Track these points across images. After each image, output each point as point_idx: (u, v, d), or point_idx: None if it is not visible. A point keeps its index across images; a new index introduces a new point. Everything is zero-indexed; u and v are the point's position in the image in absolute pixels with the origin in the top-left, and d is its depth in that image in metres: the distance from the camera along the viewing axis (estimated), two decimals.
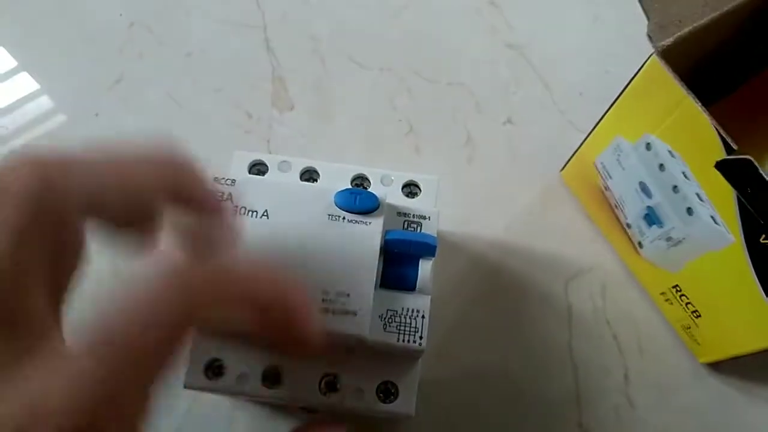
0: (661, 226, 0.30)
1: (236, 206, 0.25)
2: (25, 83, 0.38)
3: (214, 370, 0.25)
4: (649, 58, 0.26)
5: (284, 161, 0.28)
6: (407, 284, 0.26)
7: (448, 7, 0.42)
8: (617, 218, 0.33)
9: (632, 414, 0.32)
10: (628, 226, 0.33)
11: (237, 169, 0.28)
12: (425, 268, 0.26)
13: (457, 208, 0.36)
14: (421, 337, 0.25)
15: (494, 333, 0.33)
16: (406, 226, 0.26)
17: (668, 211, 0.29)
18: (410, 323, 0.25)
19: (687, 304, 0.31)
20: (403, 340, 0.25)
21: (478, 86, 0.39)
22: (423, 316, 0.25)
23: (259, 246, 0.24)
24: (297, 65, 0.39)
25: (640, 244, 0.32)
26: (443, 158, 0.37)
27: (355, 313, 0.24)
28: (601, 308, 0.34)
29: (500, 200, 0.36)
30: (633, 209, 0.31)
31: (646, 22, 0.26)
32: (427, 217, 0.27)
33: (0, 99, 0.37)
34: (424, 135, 0.38)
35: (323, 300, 0.24)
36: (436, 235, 0.26)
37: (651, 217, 0.30)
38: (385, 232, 0.25)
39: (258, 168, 0.28)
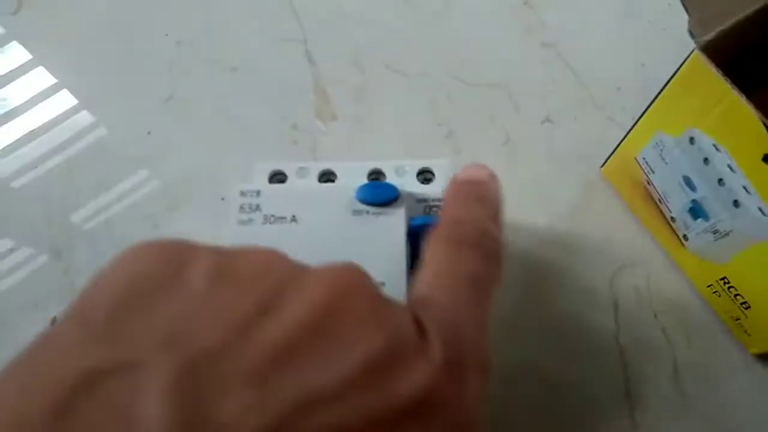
0: (707, 220, 0.30)
1: (265, 215, 0.26)
2: (78, 107, 0.40)
3: None
4: (690, 54, 0.26)
5: (302, 167, 0.29)
6: None
7: (483, 9, 0.42)
8: (661, 212, 0.34)
9: (683, 406, 0.32)
10: (673, 219, 0.33)
11: (258, 180, 0.29)
12: None
13: None
14: None
15: (540, 330, 0.34)
16: (427, 211, 0.27)
17: (714, 204, 0.29)
18: None
19: (736, 295, 0.31)
20: None
21: (515, 86, 0.40)
22: None
23: (293, 249, 0.25)
24: (338, 76, 0.40)
25: (685, 237, 0.33)
26: (483, 159, 0.37)
27: None
28: (648, 301, 0.34)
29: (542, 199, 0.37)
30: (677, 203, 0.32)
31: (680, 12, 0.26)
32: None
33: (55, 128, 0.39)
34: (464, 137, 0.38)
35: None
36: None
37: (696, 211, 0.31)
38: (409, 219, 0.26)
39: (278, 177, 0.29)
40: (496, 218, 0.24)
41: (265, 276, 0.17)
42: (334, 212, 0.26)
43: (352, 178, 0.29)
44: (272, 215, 0.26)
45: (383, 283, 0.25)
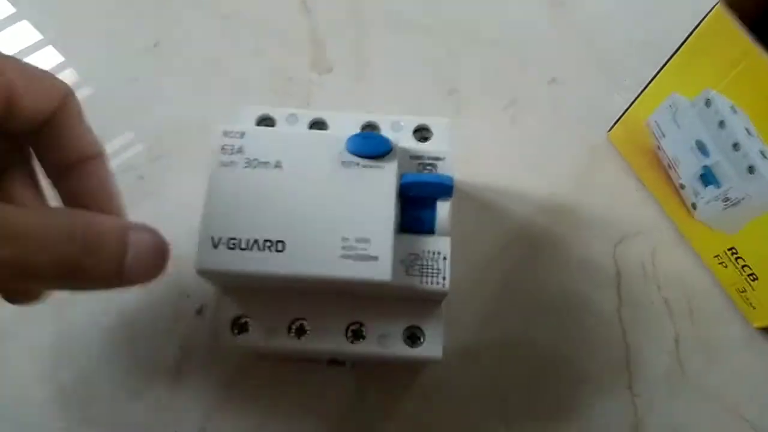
0: (719, 186, 0.29)
1: (247, 159, 0.24)
2: (61, 52, 0.38)
3: (239, 326, 0.26)
4: (712, 8, 0.24)
5: (292, 114, 0.28)
6: (426, 227, 0.25)
7: None
8: (669, 179, 0.32)
9: (683, 378, 0.32)
10: (682, 186, 0.32)
11: (244, 123, 0.27)
12: (443, 209, 0.25)
13: (501, 170, 0.35)
14: (444, 278, 0.24)
15: (541, 298, 0.33)
16: (420, 168, 0.26)
17: (727, 169, 0.28)
18: (432, 265, 0.25)
19: (743, 266, 0.30)
20: (427, 283, 0.24)
21: (521, 45, 0.38)
22: (444, 258, 0.25)
23: (272, 197, 0.24)
24: (335, 26, 0.38)
25: (693, 205, 0.31)
26: (486, 119, 0.36)
27: (376, 258, 0.23)
28: (651, 272, 0.33)
29: (546, 162, 0.35)
30: (688, 169, 0.30)
31: None
32: (441, 158, 0.26)
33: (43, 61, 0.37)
34: (466, 95, 0.37)
35: (343, 247, 0.23)
36: (452, 176, 0.26)
37: (707, 177, 0.29)
38: (401, 176, 0.25)
39: (265, 123, 0.28)
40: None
41: None
42: (321, 161, 0.25)
43: (345, 128, 0.27)
44: (255, 159, 0.25)
45: (368, 240, 0.24)
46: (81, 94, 0.35)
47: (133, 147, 0.35)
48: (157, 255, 0.20)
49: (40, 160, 0.24)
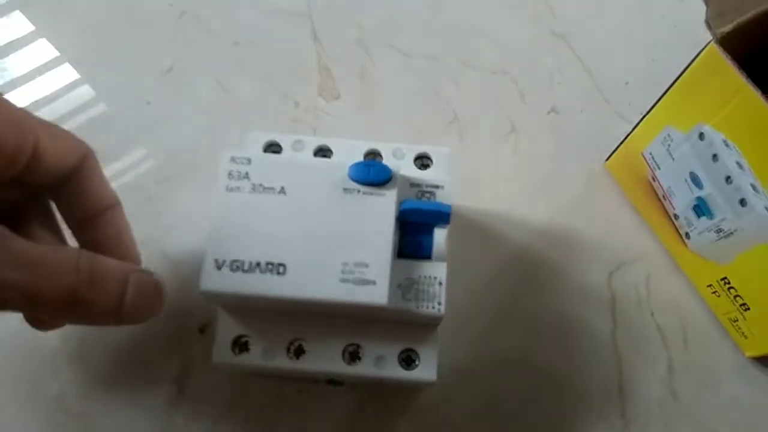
0: (711, 218, 0.30)
1: (253, 184, 0.25)
2: (77, 72, 0.39)
3: (240, 346, 0.26)
4: (706, 45, 0.25)
5: (298, 140, 0.29)
6: (423, 252, 0.26)
7: None
8: (664, 209, 0.33)
9: (675, 406, 0.32)
10: (676, 217, 0.32)
11: (251, 149, 0.28)
12: (440, 235, 0.26)
13: (500, 196, 0.36)
14: (439, 303, 0.25)
15: (537, 323, 0.33)
16: (420, 196, 0.27)
17: (720, 202, 0.29)
18: (428, 290, 0.25)
19: (735, 297, 0.31)
20: (423, 307, 0.25)
21: (522, 75, 0.39)
22: (440, 283, 0.26)
23: (276, 221, 0.25)
24: (343, 54, 0.39)
25: (687, 235, 0.32)
26: (487, 147, 0.37)
27: (374, 283, 0.24)
28: (646, 299, 0.34)
29: (544, 190, 0.36)
30: (682, 200, 0.31)
31: (693, 8, 0.26)
32: (440, 186, 0.27)
33: (53, 89, 0.38)
34: (468, 124, 0.38)
35: (342, 271, 0.24)
36: (450, 204, 0.27)
37: (701, 208, 0.30)
38: (400, 202, 0.26)
39: (272, 149, 0.29)
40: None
41: None
42: (324, 188, 0.25)
43: (348, 156, 0.28)
44: (260, 185, 0.25)
45: (366, 264, 0.24)
46: (94, 112, 0.37)
47: (142, 168, 0.36)
48: (154, 296, 0.22)
49: (63, 212, 0.26)
